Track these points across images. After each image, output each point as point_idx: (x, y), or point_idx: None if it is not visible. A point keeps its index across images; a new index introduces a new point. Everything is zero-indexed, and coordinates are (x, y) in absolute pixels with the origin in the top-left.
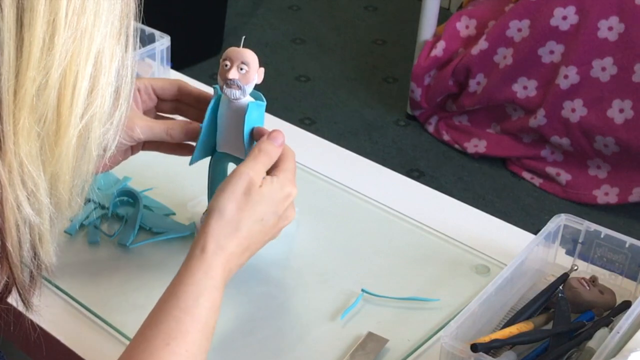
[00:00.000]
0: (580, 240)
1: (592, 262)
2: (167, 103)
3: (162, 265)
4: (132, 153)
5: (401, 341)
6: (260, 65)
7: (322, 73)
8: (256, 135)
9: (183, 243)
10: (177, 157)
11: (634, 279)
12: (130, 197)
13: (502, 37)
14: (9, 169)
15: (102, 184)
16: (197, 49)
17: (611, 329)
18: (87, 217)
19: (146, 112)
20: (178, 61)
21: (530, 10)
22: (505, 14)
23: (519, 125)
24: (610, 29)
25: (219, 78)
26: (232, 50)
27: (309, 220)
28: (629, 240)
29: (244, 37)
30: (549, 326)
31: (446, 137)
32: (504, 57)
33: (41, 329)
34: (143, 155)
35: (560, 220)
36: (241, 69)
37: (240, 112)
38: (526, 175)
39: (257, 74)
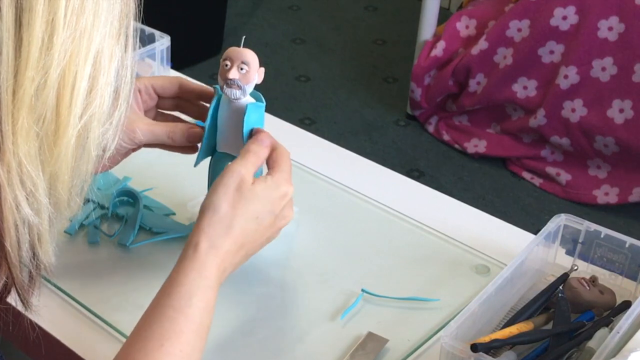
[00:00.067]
0: (580, 240)
1: (592, 262)
2: (167, 100)
3: (162, 265)
4: (132, 151)
5: (401, 341)
6: (260, 65)
7: (322, 73)
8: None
9: (183, 243)
10: (177, 157)
11: (634, 279)
12: (130, 197)
13: (502, 37)
14: (8, 169)
15: (102, 183)
16: (197, 49)
17: (611, 329)
18: (87, 217)
19: (147, 111)
20: (178, 61)
21: (530, 10)
22: (505, 14)
23: (519, 125)
24: (610, 29)
25: (219, 78)
26: (232, 50)
27: (309, 220)
28: (629, 240)
29: (244, 37)
30: (549, 326)
31: (446, 137)
32: (504, 57)
33: (40, 328)
34: (143, 155)
35: (560, 220)
36: (241, 69)
37: (240, 112)
38: (526, 175)
39: (257, 74)
